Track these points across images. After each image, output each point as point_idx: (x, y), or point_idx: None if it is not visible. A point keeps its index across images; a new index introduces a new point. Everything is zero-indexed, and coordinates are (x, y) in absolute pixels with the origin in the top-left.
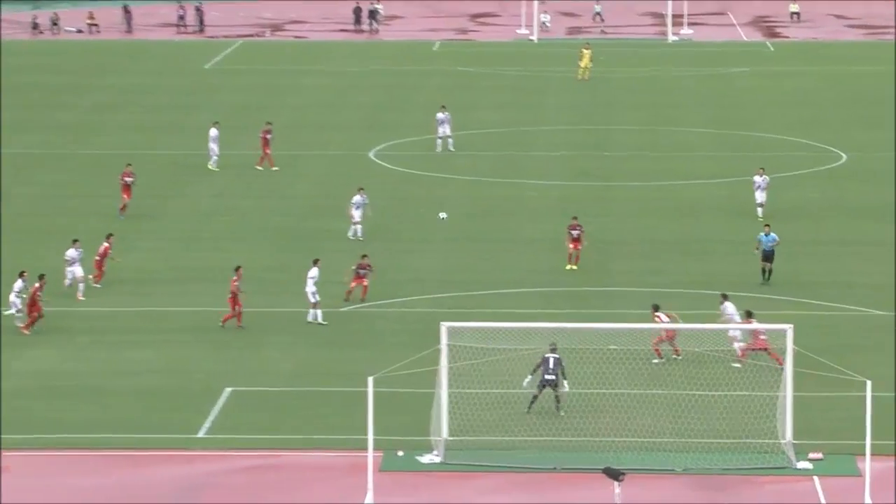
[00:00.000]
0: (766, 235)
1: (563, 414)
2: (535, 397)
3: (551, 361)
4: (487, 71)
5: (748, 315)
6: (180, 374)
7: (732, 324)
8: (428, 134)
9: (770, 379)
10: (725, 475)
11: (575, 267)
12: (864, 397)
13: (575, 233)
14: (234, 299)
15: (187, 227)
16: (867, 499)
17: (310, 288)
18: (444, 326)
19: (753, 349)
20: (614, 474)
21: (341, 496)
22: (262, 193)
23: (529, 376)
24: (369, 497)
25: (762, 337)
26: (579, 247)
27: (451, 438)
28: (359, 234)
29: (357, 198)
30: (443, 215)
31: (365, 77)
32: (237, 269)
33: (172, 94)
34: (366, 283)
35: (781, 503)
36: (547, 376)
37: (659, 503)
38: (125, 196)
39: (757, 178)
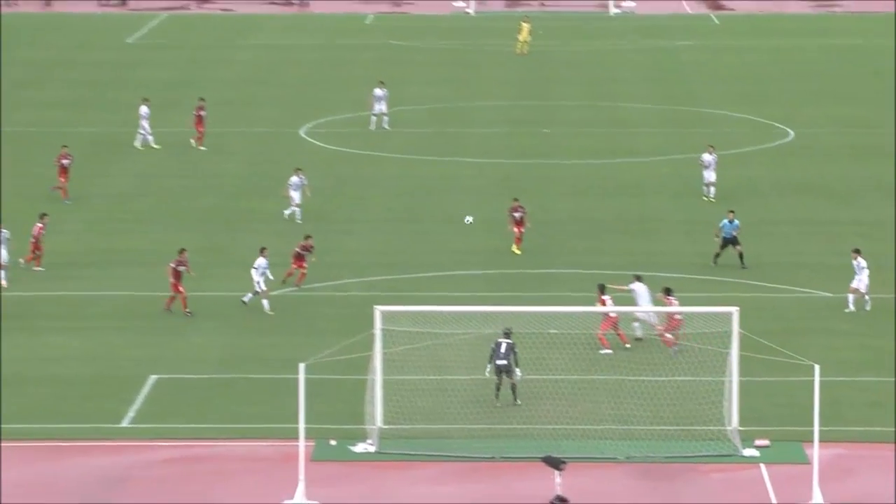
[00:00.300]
0: (729, 222)
1: (519, 402)
2: (498, 385)
3: (503, 346)
4: (422, 45)
5: (667, 293)
6: (103, 361)
7: (650, 305)
8: (361, 110)
9: (715, 364)
10: (669, 463)
11: (516, 250)
12: (812, 382)
13: (517, 215)
14: (177, 282)
15: (111, 209)
16: (815, 487)
17: (255, 277)
18: (378, 310)
19: (670, 329)
20: (555, 463)
21: (271, 488)
22: (188, 173)
23: (489, 365)
24: (300, 488)
25: (677, 317)
26: (522, 229)
27: (385, 427)
28: (297, 216)
29: (294, 178)
30: (469, 219)
31: (295, 52)
32: (181, 251)
33: (94, 70)
34: (305, 268)
35: (727, 491)
36: (498, 361)
37: (601, 492)
38: (62, 179)
39: (706, 156)
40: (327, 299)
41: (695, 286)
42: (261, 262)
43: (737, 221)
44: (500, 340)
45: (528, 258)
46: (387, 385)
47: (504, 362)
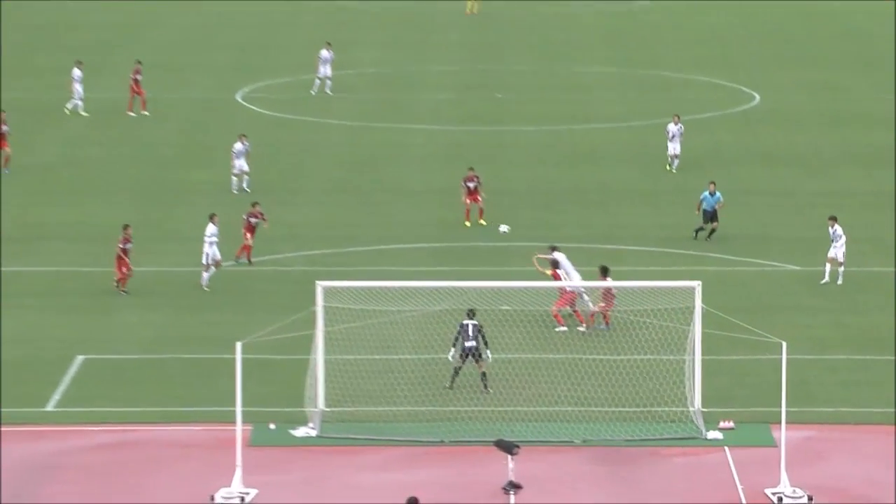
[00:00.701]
0: (711, 195)
1: (490, 391)
2: (457, 370)
3: (470, 328)
4: (366, 6)
5: (603, 272)
6: (27, 342)
7: (576, 273)
8: (301, 74)
9: (677, 342)
10: (629, 447)
11: (483, 222)
12: (780, 360)
13: (471, 185)
14: (122, 261)
15: (36, 180)
16: (783, 471)
17: (207, 248)
18: (321, 286)
19: (607, 309)
20: (507, 447)
21: (207, 475)
22: (118, 141)
23: (452, 349)
24: (237, 475)
25: (613, 292)
26: (478, 200)
27: (328, 410)
28: (245, 185)
29: (238, 145)
30: (504, 228)
31: (230, 12)
32: (125, 227)
33: (15, 31)
34: (250, 238)
35: (690, 476)
36: (467, 343)
37: (556, 478)
38: (2, 146)
39: (671, 127)
40: (266, 274)
41: (656, 259)
42: (210, 229)
43: (718, 194)
44: (465, 322)
45: (480, 231)
46: (329, 365)
47: (473, 344)
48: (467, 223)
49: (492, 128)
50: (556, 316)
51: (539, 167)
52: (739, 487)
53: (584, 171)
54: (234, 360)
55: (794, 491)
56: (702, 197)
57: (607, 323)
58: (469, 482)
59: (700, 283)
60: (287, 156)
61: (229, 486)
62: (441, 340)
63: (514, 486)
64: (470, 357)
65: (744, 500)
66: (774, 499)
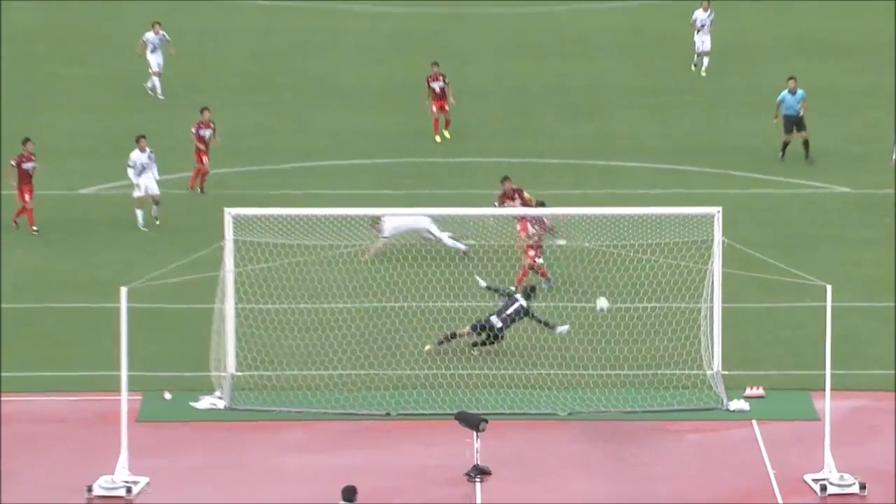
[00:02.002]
0: (791, 94)
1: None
2: (454, 335)
3: (515, 307)
4: None
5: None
6: None
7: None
8: None
9: (691, 285)
10: (629, 420)
11: (447, 134)
12: (823, 309)
13: (437, 85)
14: (24, 186)
15: None
16: (827, 451)
17: (135, 179)
18: (230, 214)
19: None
20: (472, 421)
21: (83, 459)
22: None
23: (491, 292)
24: (122, 459)
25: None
26: (445, 105)
27: (239, 374)
28: (157, 88)
29: (150, 35)
30: (603, 305)
31: None
32: (24, 141)
33: None
34: (205, 161)
35: (707, 457)
36: (496, 319)
37: (534, 459)
38: None
39: (699, 14)
40: (161, 200)
41: (664, 179)
42: (136, 156)
43: (801, 92)
44: (517, 297)
45: (437, 144)
46: (242, 317)
47: (501, 325)
48: (437, 138)
49: (450, 8)
50: (542, 272)
51: (511, 60)
52: (771, 472)
53: (569, 65)
54: (118, 309)
55: (842, 477)
56: (779, 98)
57: (546, 275)
58: (423, 466)
59: (720, 209)
60: (186, 46)
61: (112, 473)
62: (385, 284)
63: (481, 472)
64: (485, 332)
65: (776, 489)
66: (816, 487)
